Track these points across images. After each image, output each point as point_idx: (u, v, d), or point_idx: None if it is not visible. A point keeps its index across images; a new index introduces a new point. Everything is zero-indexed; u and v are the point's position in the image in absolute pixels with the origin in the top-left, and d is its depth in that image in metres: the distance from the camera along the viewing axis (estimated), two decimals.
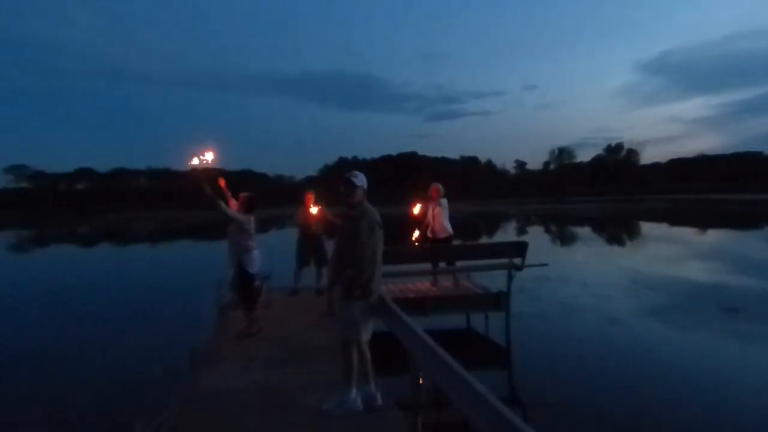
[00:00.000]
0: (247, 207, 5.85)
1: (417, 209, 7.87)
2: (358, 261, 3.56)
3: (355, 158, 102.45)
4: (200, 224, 43.49)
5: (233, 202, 6.04)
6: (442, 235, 7.94)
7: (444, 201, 8.00)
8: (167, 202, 77.32)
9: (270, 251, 7.17)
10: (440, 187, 8.00)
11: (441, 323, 7.45)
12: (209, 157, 5.42)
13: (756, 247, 19.02)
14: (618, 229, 29.31)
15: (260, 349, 5.28)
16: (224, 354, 5.21)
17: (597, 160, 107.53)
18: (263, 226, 9.65)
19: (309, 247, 7.92)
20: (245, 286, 5.81)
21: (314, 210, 7.81)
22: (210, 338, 5.83)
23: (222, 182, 6.07)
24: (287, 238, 8.06)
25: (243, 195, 5.97)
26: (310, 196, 7.93)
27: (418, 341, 3.23)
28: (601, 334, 7.59)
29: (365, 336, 3.74)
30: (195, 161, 5.35)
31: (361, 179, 3.72)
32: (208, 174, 5.46)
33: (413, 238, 7.83)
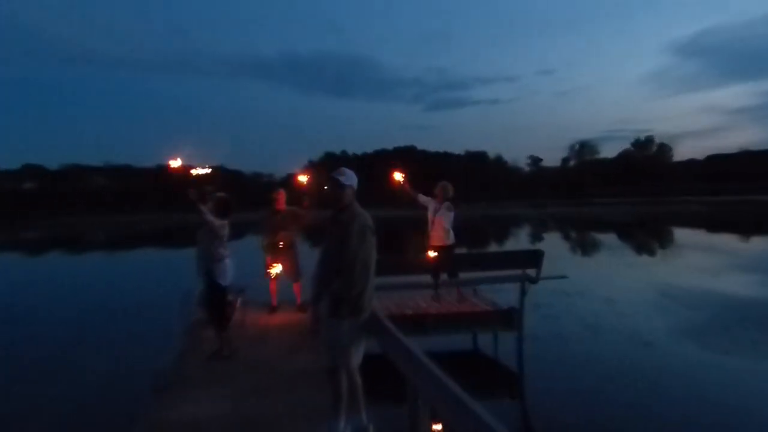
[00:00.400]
0: (221, 210, 5.85)
1: (434, 253, 7.53)
2: (348, 272, 3.56)
3: (344, 153, 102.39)
4: (164, 229, 43.36)
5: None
6: (443, 243, 7.94)
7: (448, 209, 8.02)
8: (127, 204, 77.01)
9: (246, 261, 7.16)
10: (447, 186, 8.01)
11: (443, 344, 7.46)
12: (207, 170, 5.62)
13: None
14: (648, 236, 29.46)
15: (234, 374, 5.28)
16: (192, 379, 5.20)
17: (623, 156, 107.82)
18: (239, 232, 9.65)
19: (278, 259, 7.84)
20: (216, 301, 5.81)
21: (274, 271, 7.69)
22: (176, 361, 5.81)
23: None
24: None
25: (217, 196, 5.98)
26: (282, 195, 7.97)
27: (416, 365, 3.23)
28: (629, 359, 7.60)
29: (355, 359, 3.74)
30: (178, 162, 5.48)
31: (350, 177, 3.73)
32: (200, 178, 5.60)
33: (397, 180, 7.68)
